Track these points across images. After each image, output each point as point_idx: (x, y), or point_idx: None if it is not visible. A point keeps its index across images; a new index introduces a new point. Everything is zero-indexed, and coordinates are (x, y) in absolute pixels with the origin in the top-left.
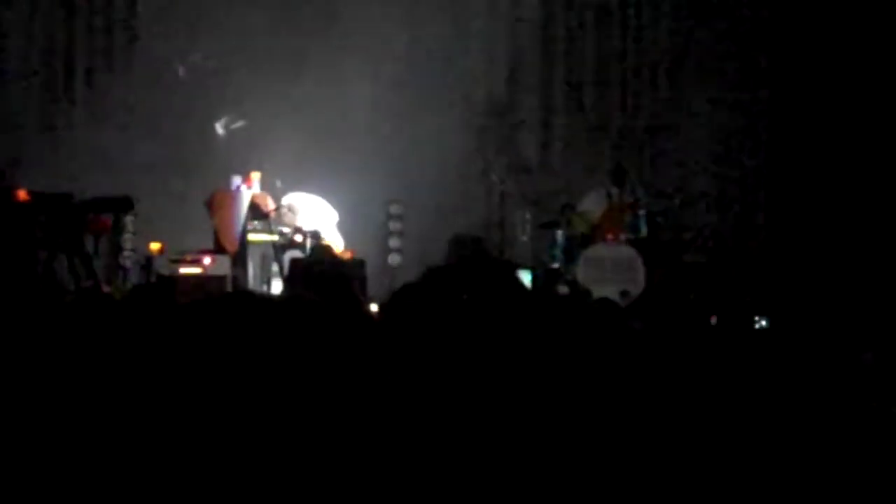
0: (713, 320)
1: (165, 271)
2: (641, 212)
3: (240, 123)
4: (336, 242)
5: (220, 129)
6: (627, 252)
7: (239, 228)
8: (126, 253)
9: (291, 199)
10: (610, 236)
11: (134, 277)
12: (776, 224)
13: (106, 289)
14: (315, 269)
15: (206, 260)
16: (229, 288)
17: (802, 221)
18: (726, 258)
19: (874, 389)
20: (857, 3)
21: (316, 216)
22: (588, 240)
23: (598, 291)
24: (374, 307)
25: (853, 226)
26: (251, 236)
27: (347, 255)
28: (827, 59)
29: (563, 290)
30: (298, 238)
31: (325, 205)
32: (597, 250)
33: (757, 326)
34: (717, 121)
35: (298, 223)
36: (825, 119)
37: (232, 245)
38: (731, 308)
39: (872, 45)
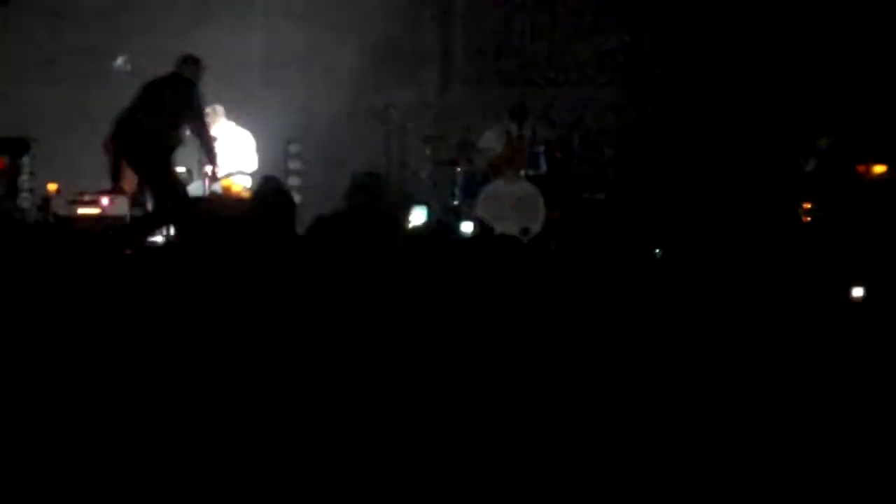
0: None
1: (63, 212)
2: (541, 148)
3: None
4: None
5: (121, 62)
6: (527, 188)
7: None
8: (23, 194)
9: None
10: (509, 173)
11: (31, 218)
12: (674, 159)
13: None
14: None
15: (104, 200)
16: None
17: (699, 155)
18: (625, 194)
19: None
20: None
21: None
22: (488, 177)
23: (499, 228)
24: None
25: (749, 158)
26: None
27: (247, 195)
28: None
29: (468, 226)
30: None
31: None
32: (497, 187)
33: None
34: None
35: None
36: (721, 55)
37: (130, 185)
38: (629, 242)
39: None
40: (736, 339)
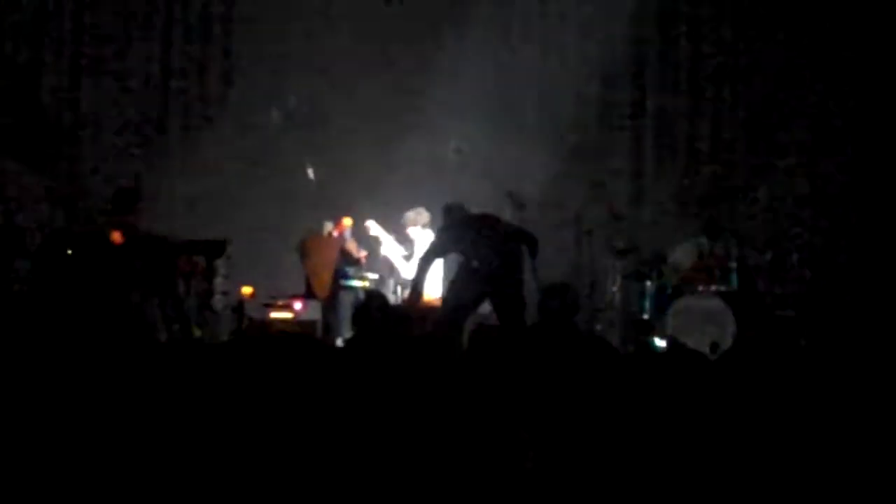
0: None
1: (257, 315)
2: (733, 264)
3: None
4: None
5: (311, 174)
6: (717, 304)
7: (330, 273)
8: (217, 296)
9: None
10: (700, 288)
11: (225, 321)
12: (864, 277)
13: (197, 333)
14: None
15: (297, 305)
16: (319, 333)
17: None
18: (818, 312)
19: None
20: None
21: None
22: (678, 291)
23: (689, 343)
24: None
25: None
26: (342, 281)
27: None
28: None
29: (661, 343)
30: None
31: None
32: (686, 301)
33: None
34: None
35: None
36: None
37: (323, 290)
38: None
39: None
40: None
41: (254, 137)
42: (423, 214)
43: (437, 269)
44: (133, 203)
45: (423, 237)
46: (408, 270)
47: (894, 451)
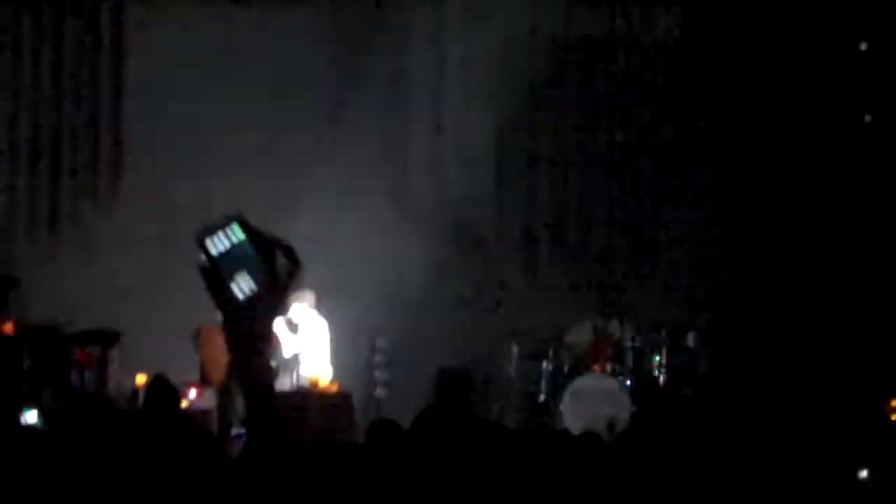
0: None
1: None
2: (627, 344)
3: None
4: (324, 371)
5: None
6: (613, 384)
7: (225, 361)
8: (112, 386)
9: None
10: (597, 368)
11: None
12: (760, 354)
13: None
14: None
15: (192, 393)
16: (215, 421)
17: (788, 342)
18: (713, 389)
19: None
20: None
21: (314, 332)
22: (574, 371)
23: (585, 423)
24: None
25: (844, 347)
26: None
27: (334, 388)
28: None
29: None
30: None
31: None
32: (583, 382)
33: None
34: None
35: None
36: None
37: (218, 377)
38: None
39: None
40: None
41: (147, 221)
42: (307, 294)
43: (324, 346)
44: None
45: (308, 316)
46: (292, 348)
47: None
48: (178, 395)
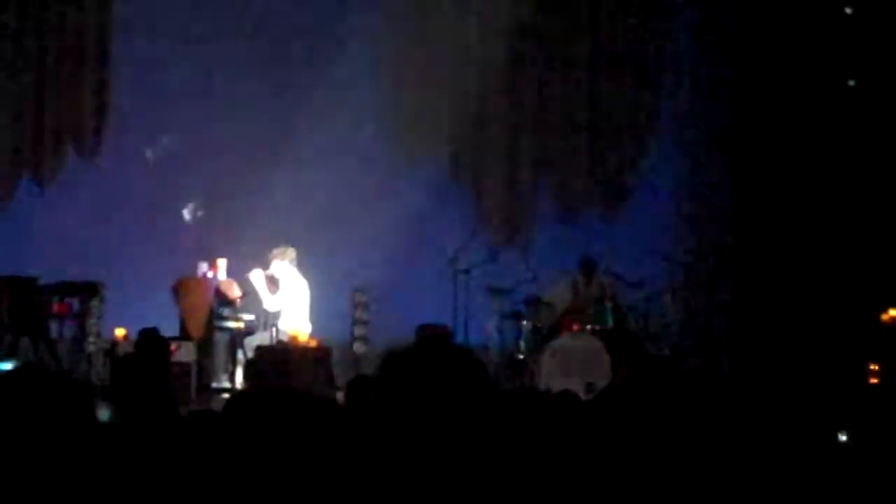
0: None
1: None
2: (608, 303)
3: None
4: (303, 327)
5: (186, 214)
6: (593, 343)
7: (205, 314)
8: (91, 338)
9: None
10: (576, 327)
11: (98, 363)
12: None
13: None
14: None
15: (171, 346)
16: (194, 375)
17: (767, 309)
18: (691, 349)
19: None
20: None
21: (295, 289)
22: (554, 330)
23: (564, 383)
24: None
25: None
26: (217, 323)
27: (313, 343)
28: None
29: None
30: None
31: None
32: (562, 341)
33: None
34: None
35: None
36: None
37: (198, 331)
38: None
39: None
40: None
41: (131, 175)
42: (289, 251)
43: (304, 301)
44: None
45: (289, 273)
46: (273, 304)
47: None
48: (168, 347)
